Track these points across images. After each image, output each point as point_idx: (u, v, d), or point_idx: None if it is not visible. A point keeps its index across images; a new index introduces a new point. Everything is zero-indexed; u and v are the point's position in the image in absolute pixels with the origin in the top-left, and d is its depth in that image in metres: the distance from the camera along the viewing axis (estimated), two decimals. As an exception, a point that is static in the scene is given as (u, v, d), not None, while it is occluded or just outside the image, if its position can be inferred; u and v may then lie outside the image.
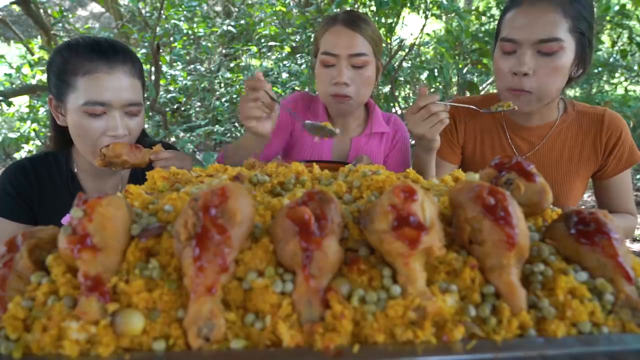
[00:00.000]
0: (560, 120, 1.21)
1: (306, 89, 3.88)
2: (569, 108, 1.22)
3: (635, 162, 1.19)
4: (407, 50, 3.73)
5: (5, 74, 3.76)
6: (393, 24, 3.42)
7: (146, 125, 4.38)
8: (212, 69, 4.85)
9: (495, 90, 1.26)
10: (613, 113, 1.19)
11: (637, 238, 3.02)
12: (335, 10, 3.45)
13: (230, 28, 4.48)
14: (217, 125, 4.34)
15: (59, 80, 1.01)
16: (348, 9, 3.57)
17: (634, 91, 5.74)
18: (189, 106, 4.77)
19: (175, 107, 4.71)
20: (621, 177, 1.21)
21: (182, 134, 4.32)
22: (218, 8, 5.63)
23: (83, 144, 1.04)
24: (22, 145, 4.04)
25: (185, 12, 4.35)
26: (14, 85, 3.72)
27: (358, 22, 1.24)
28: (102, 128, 1.01)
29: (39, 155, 1.15)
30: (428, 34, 4.31)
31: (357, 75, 1.25)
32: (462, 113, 1.31)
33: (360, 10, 3.60)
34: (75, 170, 1.14)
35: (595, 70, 4.32)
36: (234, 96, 4.31)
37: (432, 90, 4.45)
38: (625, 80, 5.25)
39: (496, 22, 1.25)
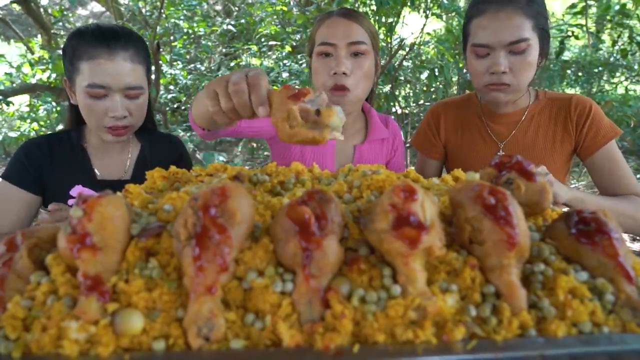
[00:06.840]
0: (532, 105, 1.30)
1: (306, 89, 3.86)
2: (540, 95, 1.32)
3: (615, 135, 1.21)
4: (407, 49, 3.72)
5: (6, 73, 3.75)
6: (393, 24, 3.41)
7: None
8: (213, 68, 4.84)
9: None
10: (580, 96, 1.29)
11: (637, 238, 3.02)
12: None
13: (230, 27, 4.48)
14: (217, 125, 4.32)
15: (69, 64, 1.11)
16: (349, 7, 3.60)
17: (635, 91, 5.74)
18: (189, 105, 4.76)
19: (175, 106, 4.71)
20: (606, 152, 1.21)
21: (182, 134, 4.32)
22: (218, 7, 5.62)
23: (89, 122, 1.14)
24: (22, 144, 4.02)
25: (185, 11, 4.35)
26: (14, 85, 3.72)
27: (354, 14, 1.22)
28: (104, 109, 1.09)
29: (56, 133, 1.25)
30: (428, 33, 4.30)
31: (356, 66, 1.19)
32: (444, 110, 1.41)
33: (361, 10, 3.59)
34: (86, 146, 1.23)
35: (596, 70, 4.31)
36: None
37: (432, 89, 4.44)
38: (626, 79, 5.24)
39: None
